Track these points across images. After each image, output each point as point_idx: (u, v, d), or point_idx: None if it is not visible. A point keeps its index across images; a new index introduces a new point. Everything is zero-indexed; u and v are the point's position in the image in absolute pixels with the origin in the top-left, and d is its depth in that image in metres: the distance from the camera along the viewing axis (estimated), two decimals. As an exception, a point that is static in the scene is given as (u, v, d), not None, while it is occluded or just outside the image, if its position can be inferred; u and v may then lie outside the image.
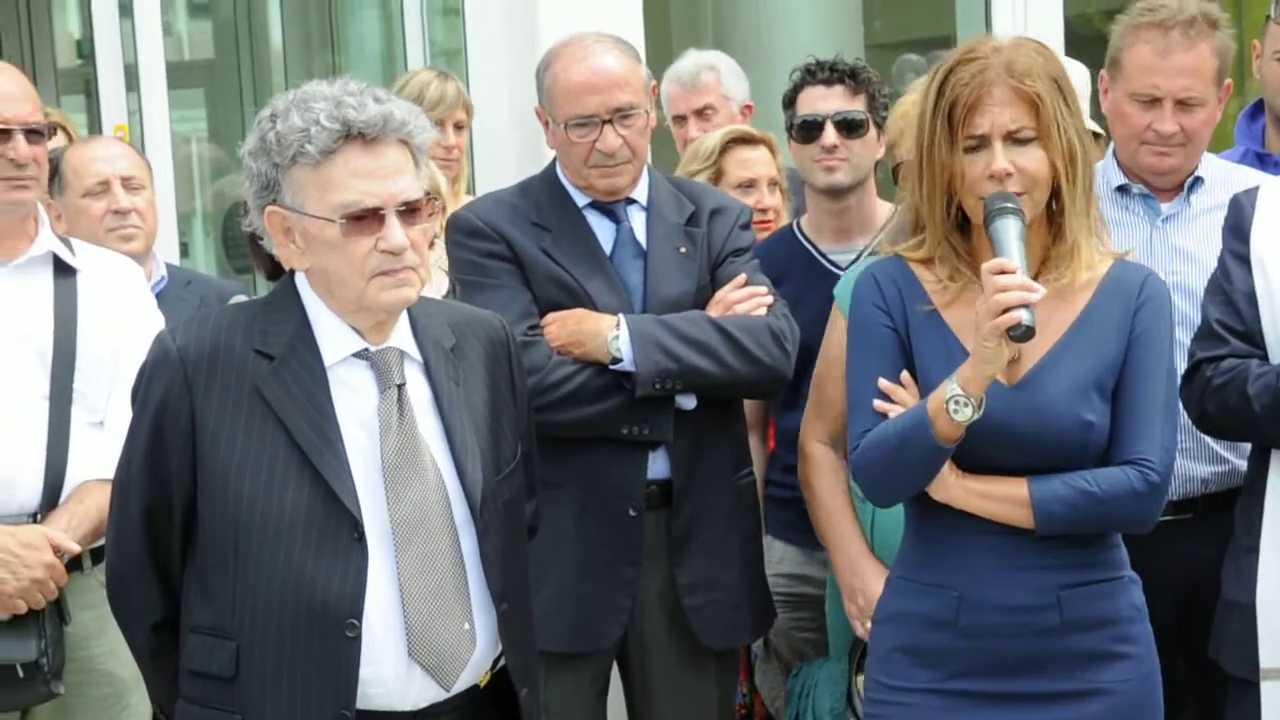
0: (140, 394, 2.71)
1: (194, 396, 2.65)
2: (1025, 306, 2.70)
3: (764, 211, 4.37)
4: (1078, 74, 4.47)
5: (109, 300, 3.55)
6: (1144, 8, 3.59)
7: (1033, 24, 6.66)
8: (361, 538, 2.62)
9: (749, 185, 4.42)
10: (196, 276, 4.77)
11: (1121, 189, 3.67)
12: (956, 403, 2.75)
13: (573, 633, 3.54)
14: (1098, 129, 4.43)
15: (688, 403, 3.56)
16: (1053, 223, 2.89)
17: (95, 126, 6.18)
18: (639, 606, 3.57)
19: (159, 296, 4.03)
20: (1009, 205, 2.79)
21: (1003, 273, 2.72)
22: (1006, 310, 2.69)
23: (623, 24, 5.04)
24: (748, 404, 3.82)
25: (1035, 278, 2.80)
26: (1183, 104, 3.57)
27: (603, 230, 3.66)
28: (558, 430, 3.46)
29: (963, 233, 2.91)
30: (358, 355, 2.70)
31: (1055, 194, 2.87)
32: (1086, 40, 8.74)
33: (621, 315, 3.54)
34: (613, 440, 3.53)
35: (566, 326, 3.54)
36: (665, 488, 3.58)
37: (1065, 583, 2.86)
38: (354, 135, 2.62)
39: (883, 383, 2.88)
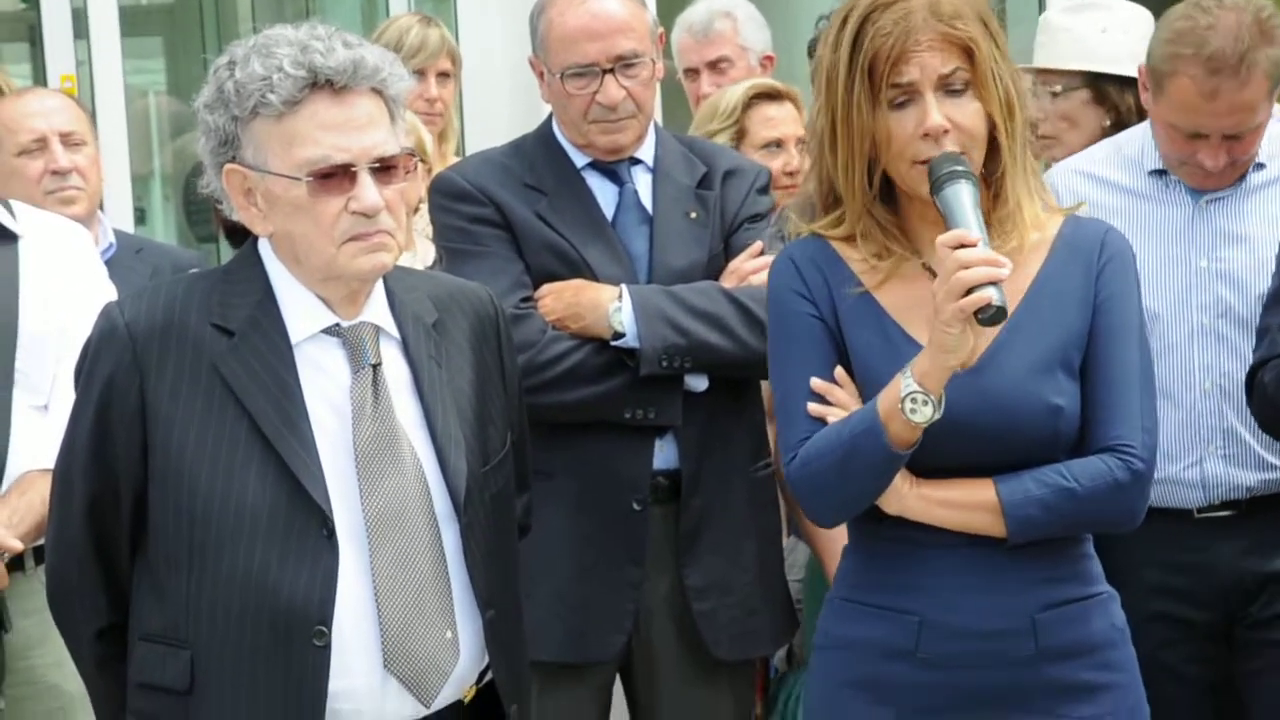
0: (84, 373, 2.70)
1: (144, 376, 2.63)
2: (993, 284, 2.58)
3: (792, 175, 4.36)
4: (1142, 21, 4.44)
5: (55, 270, 3.55)
6: (1187, 29, 3.45)
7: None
8: (331, 535, 2.60)
9: (776, 145, 4.41)
10: (148, 244, 4.77)
11: (1158, 173, 3.63)
12: (914, 401, 2.63)
13: (570, 641, 3.53)
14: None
15: (698, 384, 3.56)
16: (989, 184, 2.78)
17: (40, 78, 6.19)
18: (644, 612, 3.57)
19: (106, 265, 4.02)
20: (959, 168, 2.68)
21: (962, 246, 2.60)
22: (971, 290, 2.58)
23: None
24: (766, 387, 3.81)
25: None
26: (1232, 136, 3.50)
27: (604, 193, 3.65)
28: (553, 414, 3.45)
29: (887, 203, 2.80)
30: (328, 331, 2.69)
31: (992, 150, 2.77)
32: (1150, -15, 8.70)
33: (624, 285, 3.53)
34: (614, 425, 3.53)
35: (563, 298, 3.54)
36: (673, 479, 3.57)
37: (1041, 604, 2.77)
38: (321, 84, 2.60)
39: (815, 382, 2.76)
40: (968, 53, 2.73)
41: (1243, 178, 3.59)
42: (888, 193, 2.80)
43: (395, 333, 2.73)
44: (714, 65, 5.23)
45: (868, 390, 2.75)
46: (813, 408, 2.76)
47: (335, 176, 2.61)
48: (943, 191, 2.68)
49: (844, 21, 2.76)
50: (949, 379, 2.65)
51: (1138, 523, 2.83)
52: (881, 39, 2.71)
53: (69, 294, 3.52)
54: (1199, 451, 3.54)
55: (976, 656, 2.75)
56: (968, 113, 2.73)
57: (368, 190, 2.61)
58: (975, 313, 2.59)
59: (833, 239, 2.82)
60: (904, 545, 2.78)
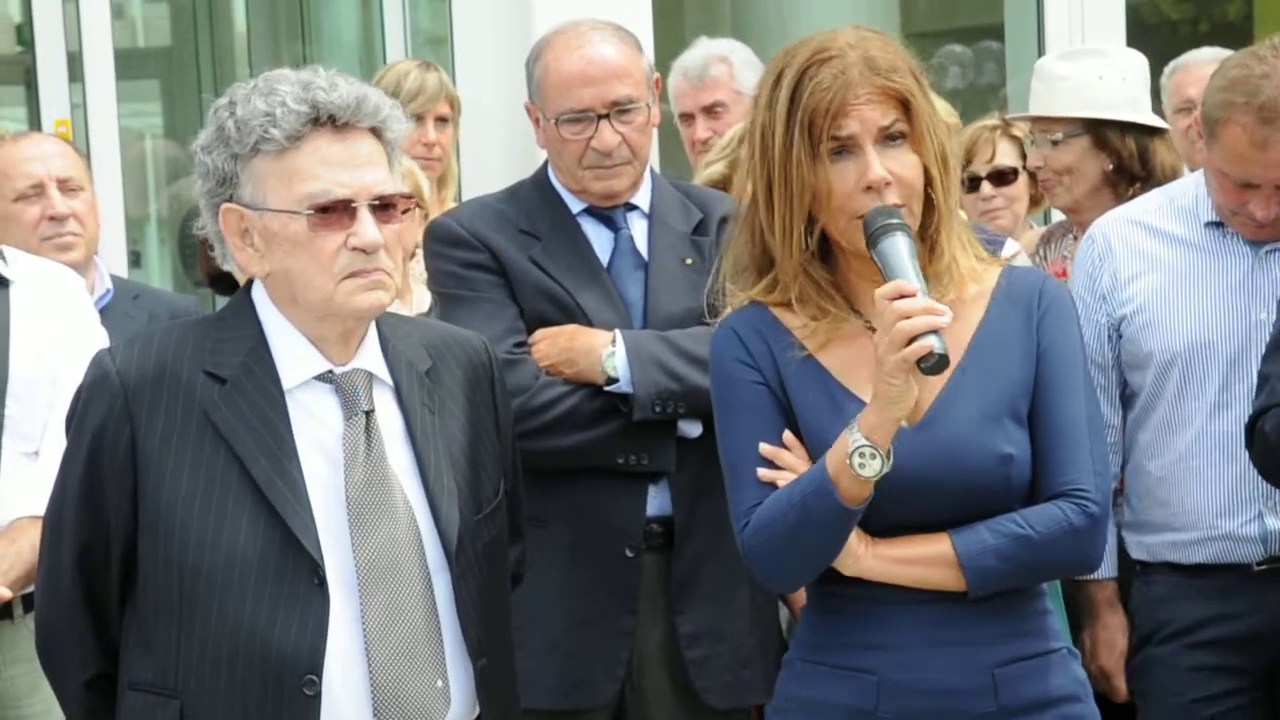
0: (76, 420, 2.71)
1: (135, 424, 2.64)
2: (934, 332, 2.58)
3: None
4: (1139, 65, 4.48)
5: (47, 316, 3.55)
6: (1241, 77, 3.44)
7: (1090, 9, 6.69)
8: (322, 583, 2.62)
9: None
10: (145, 290, 4.77)
11: (1215, 225, 3.62)
12: (862, 455, 2.63)
13: (563, 689, 3.53)
14: (1164, 124, 4.44)
15: (692, 429, 3.56)
16: (924, 239, 2.78)
17: (35, 122, 6.21)
18: (637, 659, 3.57)
19: (103, 312, 4.04)
20: (894, 221, 2.68)
21: (901, 296, 2.60)
22: (913, 339, 2.58)
23: (629, 10, 5.07)
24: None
25: None
26: None
27: (599, 239, 3.68)
28: (546, 460, 3.47)
29: (823, 262, 2.80)
30: (321, 378, 2.70)
31: (927, 205, 2.77)
32: (1152, 27, 8.75)
33: (618, 331, 3.55)
34: (607, 471, 3.54)
35: (557, 344, 3.56)
36: (666, 525, 3.58)
37: (1000, 659, 2.76)
38: (323, 120, 2.63)
39: (764, 448, 2.75)
40: (904, 105, 2.74)
41: None
42: (824, 251, 2.80)
43: (389, 379, 2.74)
44: (709, 110, 5.25)
45: (817, 452, 2.74)
46: (762, 473, 2.75)
47: (335, 212, 2.63)
48: (879, 244, 2.67)
49: (778, 79, 2.77)
50: (895, 432, 2.65)
51: (1096, 567, 2.84)
52: (820, 94, 2.70)
53: (60, 340, 3.52)
54: (1258, 506, 3.54)
55: (937, 714, 2.74)
56: (907, 164, 2.74)
57: (367, 226, 2.63)
58: (918, 362, 2.59)
59: (771, 304, 2.82)
60: (861, 604, 2.77)
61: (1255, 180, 3.47)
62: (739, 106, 5.24)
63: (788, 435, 2.77)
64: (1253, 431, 3.30)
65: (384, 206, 2.65)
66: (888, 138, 2.73)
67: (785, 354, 2.79)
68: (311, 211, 2.62)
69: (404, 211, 2.69)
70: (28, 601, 3.41)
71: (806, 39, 2.80)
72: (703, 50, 5.37)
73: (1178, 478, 3.60)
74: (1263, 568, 3.55)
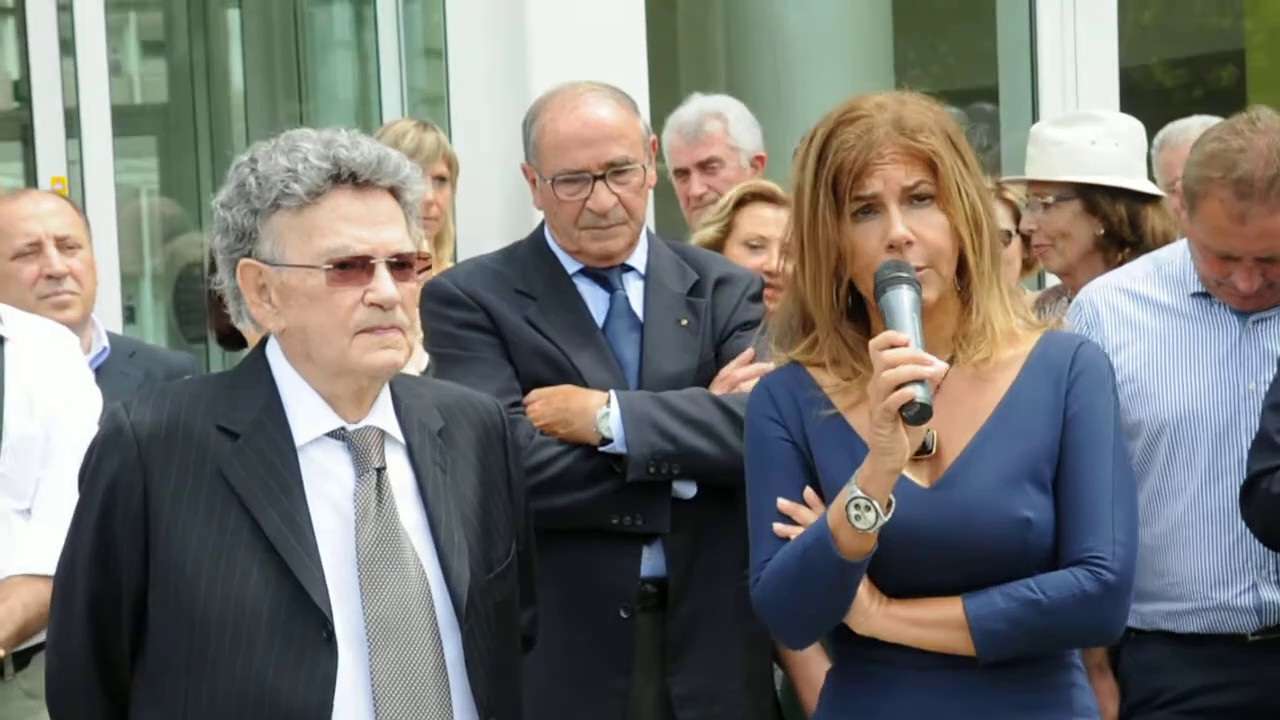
0: (89, 474, 2.74)
1: (148, 478, 2.68)
2: (920, 382, 2.60)
3: (770, 275, 4.41)
4: (1134, 131, 4.55)
5: (41, 373, 3.57)
6: (1219, 151, 3.49)
7: (1084, 74, 6.76)
8: (331, 638, 2.65)
9: (758, 245, 4.45)
10: (141, 348, 4.78)
11: (1202, 295, 3.66)
12: (857, 507, 2.63)
13: (555, 751, 3.56)
14: (1159, 191, 4.51)
15: (687, 491, 3.62)
16: (963, 300, 2.81)
17: (31, 178, 6.23)
18: (631, 720, 3.61)
19: (100, 370, 4.07)
20: (903, 274, 2.71)
21: (892, 347, 2.63)
22: (898, 388, 2.60)
23: (625, 70, 5.13)
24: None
25: (950, 363, 2.73)
26: (1265, 259, 3.52)
27: (595, 300, 3.73)
28: (540, 520, 3.40)
29: (858, 322, 2.83)
30: (333, 435, 2.75)
31: (962, 267, 2.79)
32: (1146, 94, 8.84)
33: (612, 391, 3.60)
34: (602, 532, 3.58)
35: (551, 404, 3.61)
36: (660, 586, 3.62)
37: None
38: (344, 178, 2.70)
39: (782, 503, 2.78)
40: (931, 166, 2.76)
41: None
42: (859, 312, 2.84)
43: (400, 437, 2.79)
44: (704, 165, 5.31)
45: None
46: (778, 528, 2.78)
47: (353, 268, 2.69)
48: (884, 295, 2.71)
49: (811, 139, 2.81)
50: (900, 487, 2.67)
51: (1114, 636, 2.81)
52: (845, 152, 2.75)
53: (54, 398, 3.54)
54: (1251, 577, 3.57)
55: None
56: (932, 225, 2.76)
57: (385, 282, 2.69)
58: (901, 411, 2.60)
59: (809, 364, 2.85)
60: (878, 666, 2.77)
61: (1235, 253, 3.51)
62: (733, 162, 5.31)
63: (808, 492, 2.80)
64: (1250, 491, 3.34)
65: (400, 265, 2.71)
66: (914, 198, 2.76)
67: (813, 411, 2.82)
68: (330, 266, 2.68)
69: (420, 272, 2.75)
70: (18, 659, 3.43)
71: (845, 100, 2.85)
72: (697, 106, 5.43)
73: (1172, 547, 3.62)
74: (1257, 638, 3.58)
